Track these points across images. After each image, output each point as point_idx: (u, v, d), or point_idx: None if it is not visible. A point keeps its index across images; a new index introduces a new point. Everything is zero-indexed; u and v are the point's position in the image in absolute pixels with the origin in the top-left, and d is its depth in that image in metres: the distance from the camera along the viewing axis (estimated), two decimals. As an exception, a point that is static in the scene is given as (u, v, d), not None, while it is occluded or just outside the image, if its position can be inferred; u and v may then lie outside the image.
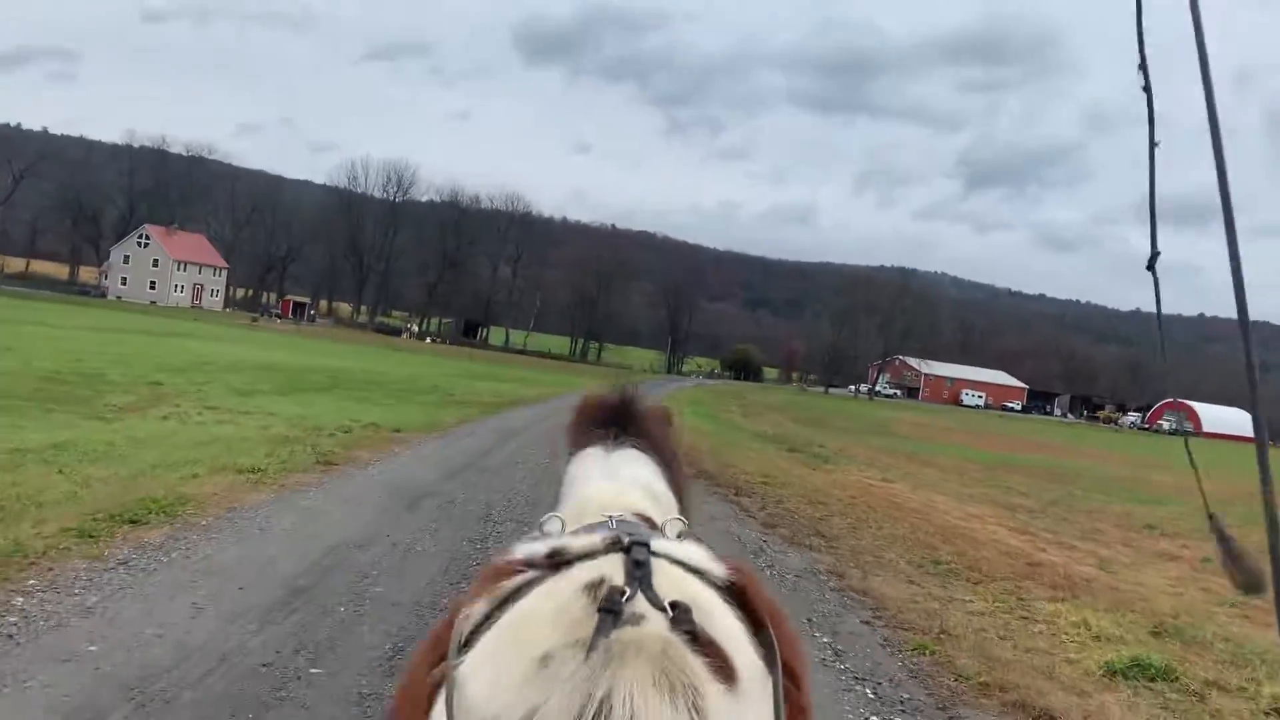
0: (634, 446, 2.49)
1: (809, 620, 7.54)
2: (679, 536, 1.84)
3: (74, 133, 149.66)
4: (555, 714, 1.23)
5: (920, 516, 15.46)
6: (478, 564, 7.78)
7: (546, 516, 1.95)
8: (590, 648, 1.29)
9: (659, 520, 2.04)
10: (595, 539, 1.61)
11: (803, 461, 25.96)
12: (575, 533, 1.78)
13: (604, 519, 1.87)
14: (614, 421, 2.61)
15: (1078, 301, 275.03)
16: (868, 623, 7.72)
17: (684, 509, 2.34)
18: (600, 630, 1.31)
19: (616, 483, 2.25)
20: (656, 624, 1.34)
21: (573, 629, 1.35)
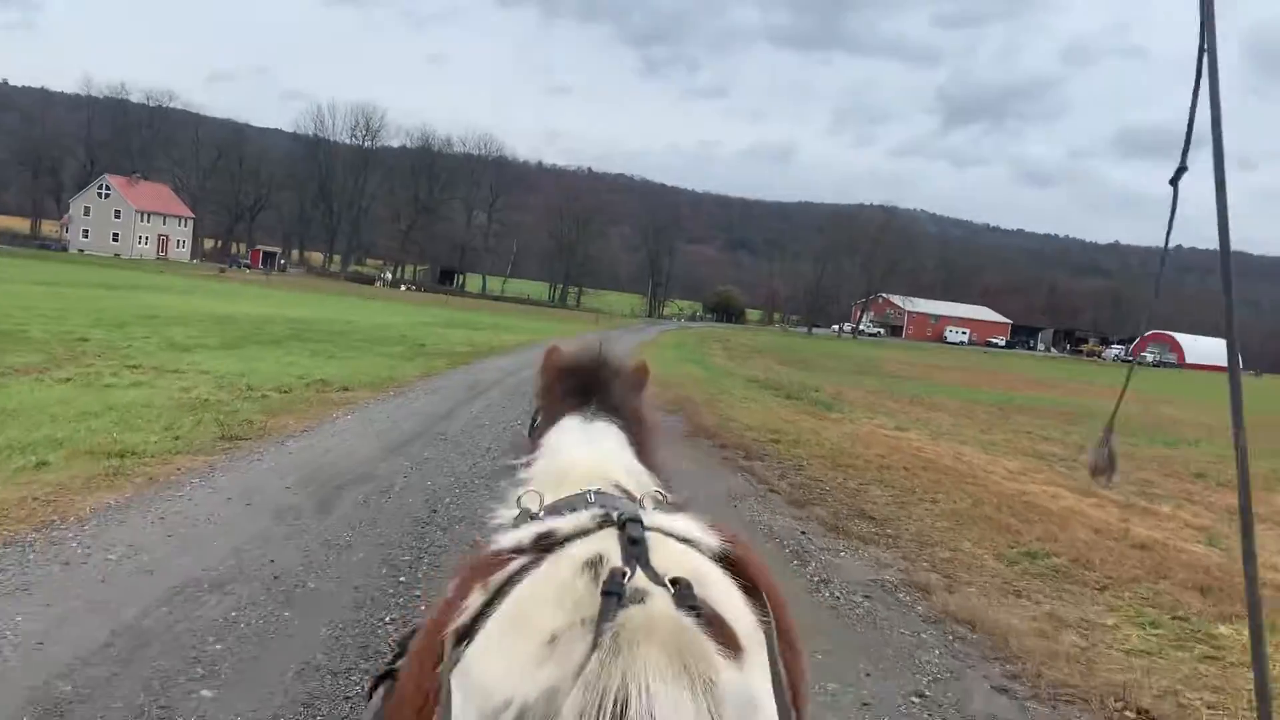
0: (609, 419, 2.26)
1: (918, 696, 4.74)
2: (657, 509, 1.74)
3: (35, 84, 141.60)
4: (574, 708, 1.17)
5: (969, 480, 12.74)
6: (394, 619, 4.94)
7: (524, 491, 1.86)
8: (598, 631, 1.24)
9: (636, 493, 1.92)
10: (584, 517, 1.56)
11: (805, 410, 23.28)
12: (558, 509, 1.69)
13: (583, 492, 1.77)
14: (587, 388, 2.34)
15: (1056, 235, 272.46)
16: (1004, 690, 4.92)
17: (662, 483, 2.10)
18: (605, 612, 1.26)
19: (596, 455, 2.09)
20: (661, 602, 1.29)
21: (576, 608, 1.31)
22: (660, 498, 1.91)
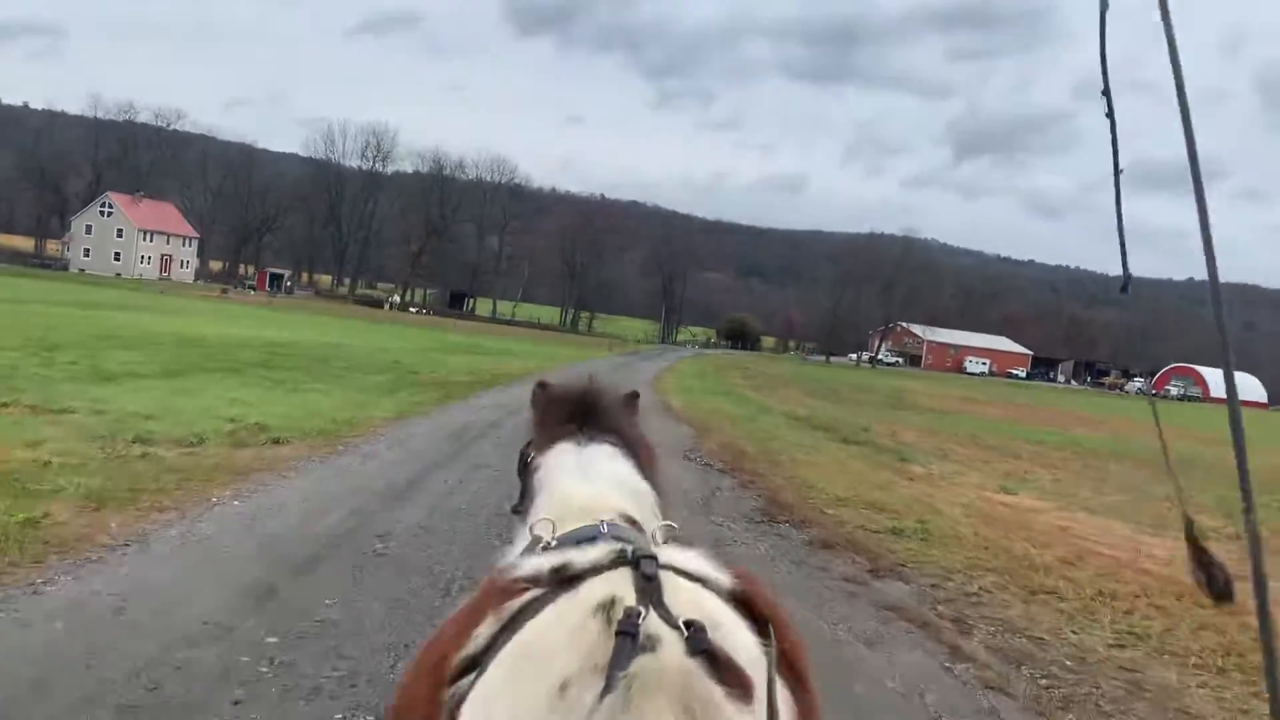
0: (606, 441, 2.17)
1: None
2: (667, 542, 1.73)
3: (57, 107, 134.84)
4: None
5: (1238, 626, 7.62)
6: None
7: (537, 519, 1.81)
8: (608, 679, 1.20)
9: (644, 521, 1.89)
10: (600, 552, 1.51)
11: (881, 463, 18.31)
12: (574, 540, 1.64)
13: (594, 523, 1.73)
14: (580, 414, 2.26)
15: (1067, 266, 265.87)
16: None
17: (662, 503, 2.09)
18: (617, 656, 1.23)
19: (596, 482, 2.01)
20: (673, 649, 1.26)
21: (589, 654, 1.27)
22: (671, 530, 1.85)
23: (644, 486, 2.10)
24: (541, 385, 2.55)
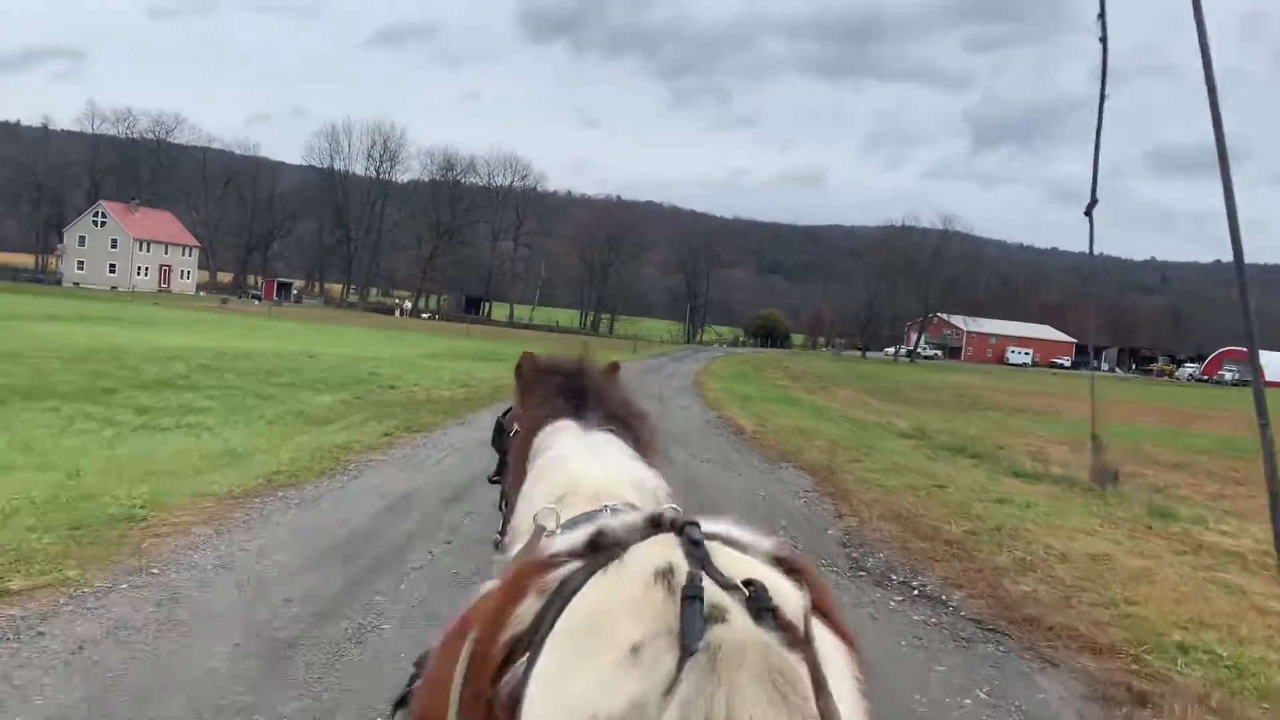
0: (606, 425, 2.04)
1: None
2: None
3: (55, 124, 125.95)
4: None
5: None
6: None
7: (542, 509, 1.68)
8: (683, 643, 1.11)
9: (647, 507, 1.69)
10: (636, 518, 1.38)
11: (1163, 532, 10.37)
12: (578, 527, 1.48)
13: (601, 508, 1.64)
14: (575, 389, 2.13)
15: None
16: None
17: (667, 488, 1.93)
18: (690, 619, 1.13)
19: (604, 466, 1.89)
20: (743, 619, 1.15)
21: (656, 619, 1.17)
22: (676, 513, 1.52)
23: (649, 474, 1.92)
24: (529, 356, 2.35)
